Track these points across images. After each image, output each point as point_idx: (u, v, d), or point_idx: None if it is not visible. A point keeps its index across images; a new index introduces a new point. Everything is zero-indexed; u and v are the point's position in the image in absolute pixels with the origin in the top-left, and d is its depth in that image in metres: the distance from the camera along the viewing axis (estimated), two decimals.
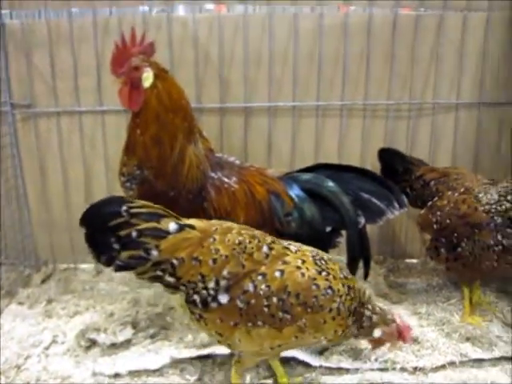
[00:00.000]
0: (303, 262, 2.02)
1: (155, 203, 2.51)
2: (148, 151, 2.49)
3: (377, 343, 2.17)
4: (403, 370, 2.45)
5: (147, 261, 1.97)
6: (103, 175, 3.24)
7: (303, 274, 1.99)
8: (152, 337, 2.68)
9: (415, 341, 2.61)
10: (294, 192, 2.60)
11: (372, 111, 3.28)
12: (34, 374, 2.42)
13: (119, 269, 1.98)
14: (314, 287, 1.98)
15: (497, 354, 2.55)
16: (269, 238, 2.10)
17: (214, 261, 1.98)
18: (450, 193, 2.84)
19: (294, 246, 2.10)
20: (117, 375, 2.41)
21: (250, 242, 2.03)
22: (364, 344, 2.55)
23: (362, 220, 2.57)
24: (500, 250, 2.61)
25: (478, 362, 2.51)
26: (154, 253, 1.96)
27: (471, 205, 2.70)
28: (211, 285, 1.97)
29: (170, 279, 2.00)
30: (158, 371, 2.44)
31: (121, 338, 2.64)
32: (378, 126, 3.30)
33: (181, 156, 2.51)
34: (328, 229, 2.62)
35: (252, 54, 3.14)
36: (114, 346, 2.61)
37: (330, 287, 2.00)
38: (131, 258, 1.96)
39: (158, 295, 3.03)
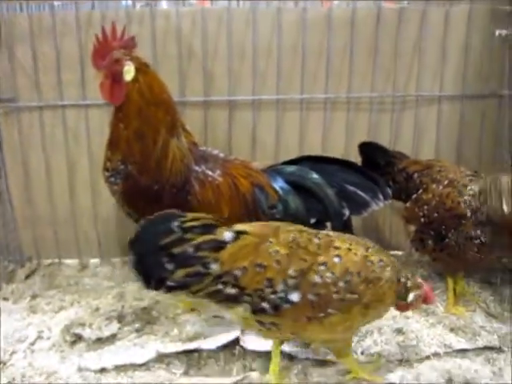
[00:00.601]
0: (349, 244, 2.09)
1: (139, 198, 2.54)
2: (131, 146, 2.49)
3: (405, 308, 2.21)
4: (389, 361, 2.46)
5: (206, 276, 1.94)
6: (87, 170, 3.22)
7: (356, 254, 2.06)
8: (138, 331, 2.68)
9: (400, 332, 2.64)
10: (278, 184, 2.61)
11: (356, 104, 3.29)
12: (19, 370, 2.41)
13: (170, 290, 1.94)
14: (368, 263, 2.05)
15: (480, 343, 2.57)
16: (310, 230, 2.13)
17: (278, 262, 1.98)
18: (434, 186, 2.84)
19: (328, 232, 2.18)
20: (103, 370, 2.40)
21: (300, 237, 2.06)
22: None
23: (347, 212, 2.58)
24: (479, 243, 2.63)
25: (462, 351, 2.53)
26: (214, 266, 1.94)
27: (455, 199, 2.70)
28: (280, 287, 1.97)
29: (232, 291, 1.97)
30: (144, 365, 2.43)
31: (106, 333, 2.64)
32: (361, 118, 3.31)
33: (164, 150, 2.51)
34: (312, 221, 2.63)
35: (236, 47, 3.13)
36: (100, 341, 2.60)
37: (380, 260, 2.08)
38: (187, 276, 1.93)
39: (144, 289, 3.02)
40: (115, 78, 2.46)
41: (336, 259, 2.02)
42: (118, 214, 3.18)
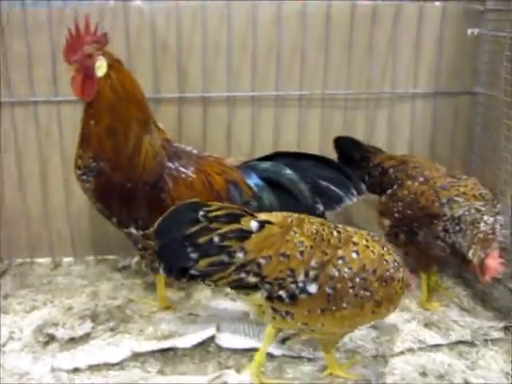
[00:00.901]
0: (366, 240, 2.12)
1: (112, 195, 2.52)
2: (102, 143, 2.47)
3: None
4: (364, 357, 2.47)
5: (230, 265, 1.95)
6: (59, 167, 3.17)
7: (373, 252, 2.09)
8: (112, 330, 2.65)
9: (375, 328, 2.65)
10: (253, 181, 2.61)
11: (330, 101, 3.30)
12: None
13: (192, 279, 1.96)
14: (384, 262, 2.09)
15: (454, 338, 2.61)
16: (330, 223, 2.18)
17: (301, 253, 2.00)
18: (409, 182, 2.84)
19: (346, 227, 2.20)
20: (76, 370, 2.37)
21: (323, 230, 2.09)
22: None
23: (321, 207, 2.59)
24: (448, 245, 2.66)
25: (436, 346, 2.56)
26: (240, 255, 1.95)
27: (429, 198, 2.71)
28: (301, 278, 1.99)
29: (254, 279, 1.99)
30: (119, 365, 2.41)
31: (80, 332, 2.61)
32: (336, 115, 3.31)
33: (136, 147, 2.49)
34: None
35: (210, 44, 3.11)
36: (73, 341, 2.57)
37: (395, 260, 2.13)
38: (211, 265, 1.95)
39: (118, 288, 3.01)
40: (87, 73, 2.44)
41: (354, 255, 2.06)
42: (92, 212, 3.15)
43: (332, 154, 3.08)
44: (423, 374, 2.36)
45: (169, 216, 1.97)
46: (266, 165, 2.64)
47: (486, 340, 2.59)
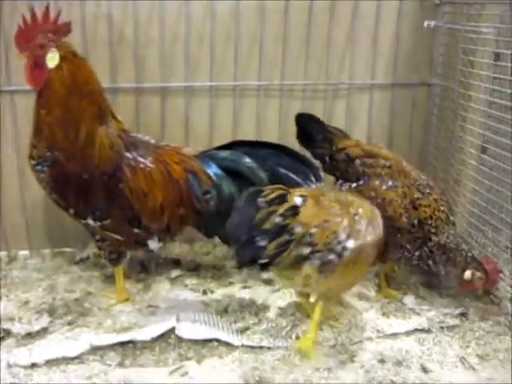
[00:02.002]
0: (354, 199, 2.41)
1: (68, 185, 2.49)
2: (54, 133, 2.43)
3: None
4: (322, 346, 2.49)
5: (291, 242, 2.09)
6: (13, 159, 3.09)
7: (368, 207, 2.39)
8: (70, 324, 2.59)
9: (333, 317, 2.68)
10: (212, 170, 2.60)
11: (289, 91, 3.31)
12: None
13: (264, 267, 2.09)
14: (376, 213, 2.41)
15: (411, 326, 2.64)
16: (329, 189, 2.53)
17: (336, 215, 2.22)
18: (377, 182, 2.75)
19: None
20: (33, 365, 2.32)
21: (335, 194, 2.39)
22: (285, 323, 2.62)
23: None
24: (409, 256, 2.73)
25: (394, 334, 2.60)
26: (298, 230, 2.10)
27: (397, 210, 2.68)
28: (342, 237, 2.18)
29: (307, 251, 2.14)
30: (78, 358, 2.36)
31: (37, 327, 2.55)
32: (294, 105, 3.31)
33: (89, 138, 2.46)
34: None
35: (168, 33, 3.08)
36: (30, 336, 2.50)
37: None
38: (277, 246, 2.07)
39: (75, 281, 2.96)
40: (37, 62, 2.38)
41: (360, 210, 2.30)
42: (47, 204, 3.08)
43: (291, 144, 3.08)
44: (382, 361, 2.39)
45: (237, 211, 2.11)
46: (224, 153, 2.64)
47: (442, 327, 2.64)
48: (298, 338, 2.49)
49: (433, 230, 2.66)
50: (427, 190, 2.71)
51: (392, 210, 2.67)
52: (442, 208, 2.68)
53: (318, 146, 2.95)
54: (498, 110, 2.93)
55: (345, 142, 2.91)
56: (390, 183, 2.74)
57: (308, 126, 2.99)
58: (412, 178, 2.76)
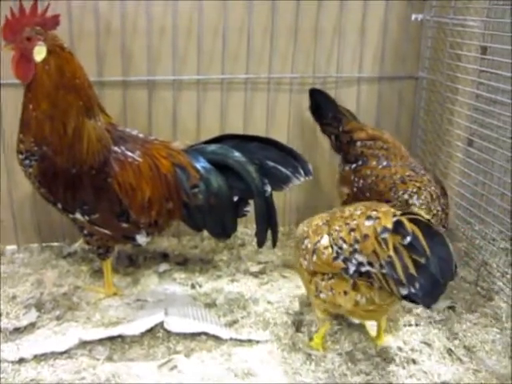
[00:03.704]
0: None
1: (56, 180, 2.48)
2: (42, 127, 2.42)
3: None
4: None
5: None
6: (1, 153, 3.06)
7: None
8: (58, 318, 2.59)
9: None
10: (200, 164, 2.59)
11: (276, 84, 3.31)
12: None
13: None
14: None
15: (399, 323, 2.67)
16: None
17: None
18: (374, 163, 2.87)
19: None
20: (22, 360, 2.31)
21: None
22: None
23: (269, 188, 2.60)
24: None
25: None
26: None
27: (387, 185, 2.77)
28: None
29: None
30: (66, 353, 2.36)
31: (24, 322, 2.54)
32: (282, 98, 3.33)
33: (77, 132, 2.45)
34: (235, 198, 2.65)
35: (155, 26, 3.06)
36: (18, 331, 2.50)
37: None
38: None
39: (63, 275, 2.95)
40: (24, 55, 2.36)
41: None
42: (35, 199, 3.07)
43: (279, 137, 3.08)
44: (371, 356, 2.40)
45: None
46: (212, 147, 2.63)
47: (430, 322, 2.65)
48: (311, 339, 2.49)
49: (417, 204, 2.69)
50: (422, 172, 2.80)
51: (383, 185, 2.78)
52: (433, 188, 2.72)
53: (327, 123, 3.08)
54: (484, 103, 2.96)
55: (352, 125, 3.02)
56: (385, 163, 2.86)
57: (321, 102, 3.10)
58: (409, 161, 2.87)
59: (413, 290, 1.90)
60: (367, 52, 3.37)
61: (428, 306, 1.98)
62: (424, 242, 1.90)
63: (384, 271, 1.95)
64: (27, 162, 2.48)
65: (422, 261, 1.89)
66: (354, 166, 2.96)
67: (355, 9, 3.26)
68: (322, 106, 3.11)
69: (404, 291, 1.92)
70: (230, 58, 3.19)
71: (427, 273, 1.89)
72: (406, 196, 2.70)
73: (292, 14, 3.19)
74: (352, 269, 2.05)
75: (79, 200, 2.52)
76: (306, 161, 2.62)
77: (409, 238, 1.91)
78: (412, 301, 1.94)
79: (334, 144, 3.09)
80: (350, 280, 2.10)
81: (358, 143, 2.96)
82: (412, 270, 1.89)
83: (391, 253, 1.93)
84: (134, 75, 3.12)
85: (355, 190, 2.92)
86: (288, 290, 2.89)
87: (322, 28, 3.24)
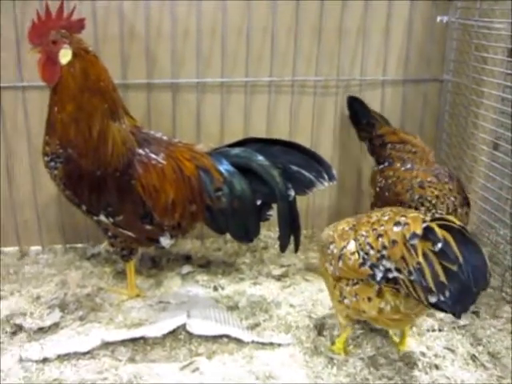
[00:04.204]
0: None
1: (81, 182, 2.51)
2: (67, 130, 2.44)
3: None
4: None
5: None
6: (26, 155, 3.11)
7: None
8: (81, 319, 2.61)
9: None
10: (224, 167, 2.59)
11: (300, 87, 3.30)
12: None
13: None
14: None
15: (422, 328, 2.64)
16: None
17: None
18: (398, 165, 2.91)
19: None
20: (45, 360, 2.33)
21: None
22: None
23: (292, 193, 2.59)
24: None
25: None
26: None
27: (405, 187, 2.76)
28: None
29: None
30: (89, 353, 2.38)
31: (48, 322, 2.56)
32: (305, 101, 3.32)
33: (102, 135, 2.47)
34: (259, 202, 2.64)
35: (179, 28, 3.07)
36: (42, 331, 2.52)
37: None
38: None
39: (87, 276, 2.98)
40: (50, 58, 2.39)
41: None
42: (59, 200, 3.10)
43: (302, 140, 3.08)
44: (393, 360, 2.38)
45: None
46: (236, 151, 2.62)
47: (453, 327, 2.62)
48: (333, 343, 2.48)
49: (433, 210, 2.67)
50: (446, 180, 2.75)
51: (400, 187, 2.79)
52: (452, 199, 2.68)
53: (362, 128, 3.19)
54: (510, 106, 2.91)
55: (385, 129, 3.10)
56: (409, 166, 2.88)
57: (356, 109, 3.21)
58: (434, 167, 2.85)
59: (442, 298, 1.86)
60: (391, 54, 3.34)
61: (458, 315, 1.92)
62: (456, 249, 1.86)
63: (412, 278, 1.91)
64: (52, 164, 2.51)
65: (454, 268, 1.85)
66: (381, 166, 3.00)
67: (380, 9, 3.23)
68: (358, 113, 3.20)
69: (433, 299, 1.88)
70: (254, 61, 3.19)
71: (459, 281, 1.85)
72: (421, 200, 2.70)
73: (316, 14, 3.18)
74: (379, 275, 2.02)
75: (103, 202, 2.54)
76: (330, 165, 2.60)
77: (440, 245, 1.87)
78: (440, 309, 1.90)
79: (369, 148, 3.17)
80: (375, 286, 2.08)
81: (389, 145, 3.01)
82: (442, 278, 1.86)
83: (420, 259, 1.89)
84: (158, 78, 3.14)
85: (378, 189, 2.94)
86: (310, 293, 2.88)
87: (346, 29, 3.22)
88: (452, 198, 2.68)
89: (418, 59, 3.38)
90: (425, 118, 3.45)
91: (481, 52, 3.08)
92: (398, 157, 2.94)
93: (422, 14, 3.28)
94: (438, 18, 3.25)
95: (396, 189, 2.80)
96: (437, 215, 2.09)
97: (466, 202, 2.76)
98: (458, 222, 1.95)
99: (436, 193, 2.68)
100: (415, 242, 1.92)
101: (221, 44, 3.12)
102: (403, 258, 1.94)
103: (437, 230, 1.90)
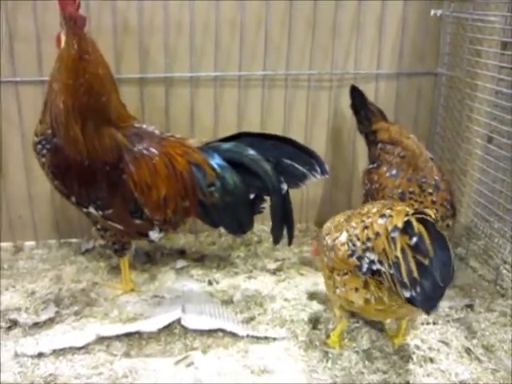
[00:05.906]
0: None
1: (69, 173, 2.50)
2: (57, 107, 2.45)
3: None
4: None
5: None
6: (19, 149, 3.09)
7: None
8: (76, 314, 2.62)
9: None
10: (216, 161, 2.58)
11: (294, 81, 3.29)
12: None
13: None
14: None
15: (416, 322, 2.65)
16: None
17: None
18: (384, 169, 2.85)
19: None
20: (40, 355, 2.34)
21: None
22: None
23: (285, 186, 2.58)
24: None
25: None
26: None
27: (385, 196, 2.75)
28: None
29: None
30: (84, 348, 2.38)
31: (43, 317, 2.57)
32: (299, 95, 3.32)
33: (91, 126, 2.48)
34: (252, 196, 2.64)
35: (172, 23, 3.07)
36: (37, 326, 2.53)
37: None
38: None
39: (81, 271, 2.98)
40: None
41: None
42: (53, 195, 3.09)
43: (296, 134, 3.09)
44: (388, 353, 2.39)
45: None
46: (228, 145, 2.61)
47: (448, 320, 2.63)
48: (328, 336, 2.48)
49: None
50: (430, 190, 2.69)
51: (381, 195, 2.77)
52: (434, 212, 2.54)
53: (360, 120, 3.11)
54: (504, 99, 2.92)
55: (379, 125, 3.02)
56: (394, 172, 2.81)
57: (356, 100, 3.13)
58: (421, 174, 2.74)
59: (414, 294, 1.86)
60: (385, 48, 3.33)
61: (428, 312, 1.92)
62: (429, 244, 1.87)
63: (391, 271, 1.92)
64: (40, 146, 2.51)
65: (426, 262, 1.86)
66: (370, 166, 2.96)
67: (373, 3, 3.23)
68: (357, 104, 3.12)
69: (407, 294, 1.87)
70: (248, 55, 3.18)
71: (429, 277, 1.86)
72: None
73: (310, 7, 3.17)
74: (365, 266, 2.02)
75: (93, 194, 2.53)
76: (323, 161, 2.59)
77: (415, 239, 1.88)
78: (414, 304, 1.89)
79: (366, 142, 3.10)
80: (361, 277, 2.09)
81: (379, 145, 2.94)
82: (415, 274, 1.86)
83: (398, 253, 1.89)
84: (151, 72, 3.13)
85: (364, 191, 2.94)
86: (305, 287, 2.88)
87: (339, 22, 3.21)
88: (435, 212, 2.62)
89: (412, 53, 3.37)
90: (419, 111, 3.44)
91: (475, 45, 3.07)
92: (385, 160, 2.87)
93: (416, 7, 3.27)
94: (432, 12, 3.23)
95: (377, 196, 2.78)
96: (419, 209, 2.07)
97: (451, 214, 2.72)
98: (433, 216, 1.97)
99: (416, 206, 2.63)
100: (395, 235, 1.92)
101: (214, 38, 3.12)
102: (384, 250, 1.95)
103: (414, 223, 1.91)
